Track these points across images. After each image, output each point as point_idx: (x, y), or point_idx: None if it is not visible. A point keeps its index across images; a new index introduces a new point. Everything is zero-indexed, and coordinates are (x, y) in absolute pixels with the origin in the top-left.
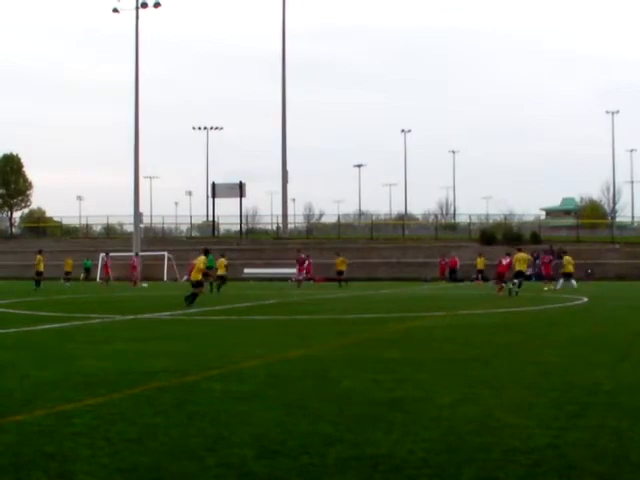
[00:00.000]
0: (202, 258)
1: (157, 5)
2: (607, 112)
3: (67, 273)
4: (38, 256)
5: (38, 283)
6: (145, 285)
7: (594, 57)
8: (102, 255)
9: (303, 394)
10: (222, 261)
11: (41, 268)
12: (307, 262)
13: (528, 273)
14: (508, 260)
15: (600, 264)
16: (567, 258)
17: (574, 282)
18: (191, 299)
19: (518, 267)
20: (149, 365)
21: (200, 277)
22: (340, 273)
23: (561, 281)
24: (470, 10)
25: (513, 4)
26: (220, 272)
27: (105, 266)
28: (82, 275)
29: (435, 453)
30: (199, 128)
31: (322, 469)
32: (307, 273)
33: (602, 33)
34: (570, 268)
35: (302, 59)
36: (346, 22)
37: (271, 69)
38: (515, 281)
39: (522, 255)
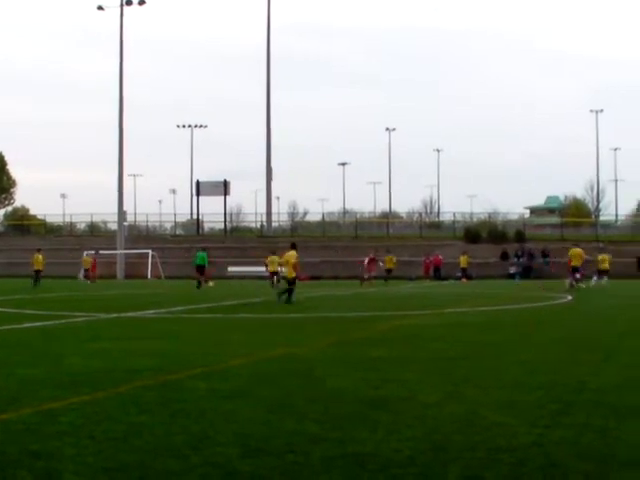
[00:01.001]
0: (292, 253)
1: (142, 3)
2: (591, 111)
3: (86, 271)
4: (38, 255)
5: (36, 281)
6: (211, 284)
7: (582, 56)
8: (87, 253)
9: (288, 393)
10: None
11: (39, 267)
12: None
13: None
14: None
15: (584, 262)
16: (603, 256)
17: (595, 279)
18: (287, 296)
19: (574, 263)
20: (134, 363)
21: (295, 273)
22: (389, 271)
23: (603, 277)
24: (460, 9)
25: (504, 4)
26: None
27: (93, 264)
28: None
29: (420, 452)
30: (184, 126)
31: (307, 468)
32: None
33: (590, 32)
34: (606, 265)
35: (287, 57)
36: (332, 20)
37: (256, 67)
38: (577, 276)
39: (577, 251)
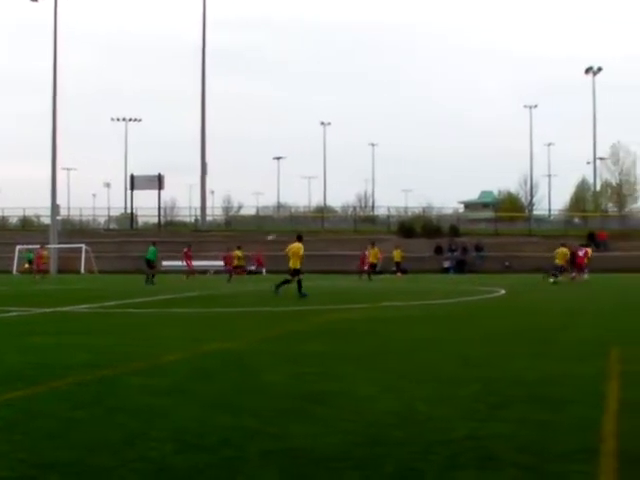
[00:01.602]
0: (298, 244)
1: None
2: (525, 106)
3: (30, 264)
4: None
5: None
6: (186, 278)
7: (517, 53)
8: (19, 247)
9: (224, 388)
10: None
11: None
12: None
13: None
14: (584, 251)
15: (518, 257)
16: (589, 250)
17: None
18: (298, 290)
19: (557, 261)
20: (68, 359)
21: (299, 265)
22: (373, 266)
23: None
24: (395, 3)
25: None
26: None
27: (38, 258)
28: (26, 267)
29: (356, 446)
30: (118, 119)
31: (243, 463)
32: (229, 265)
33: (525, 29)
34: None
35: (223, 49)
36: (268, 13)
37: (191, 60)
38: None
39: (563, 250)
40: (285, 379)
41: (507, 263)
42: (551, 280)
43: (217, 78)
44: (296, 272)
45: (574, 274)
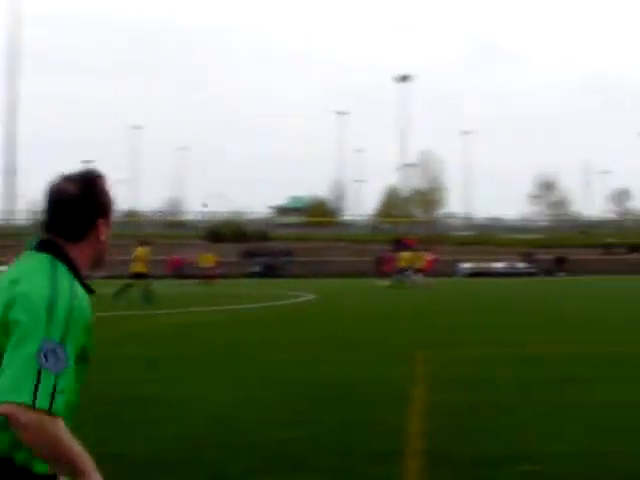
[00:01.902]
0: (142, 249)
1: None
2: (337, 113)
3: None
4: None
5: None
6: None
7: (325, 59)
8: None
9: None
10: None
11: None
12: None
13: None
14: (429, 256)
15: (326, 262)
16: (420, 254)
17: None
18: (120, 293)
19: (402, 264)
20: None
21: (143, 269)
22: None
23: (419, 275)
24: (205, 5)
25: (243, 2)
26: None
27: None
28: None
29: (168, 451)
30: None
31: None
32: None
33: (334, 35)
34: (421, 263)
35: (34, 47)
36: (76, 10)
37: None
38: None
39: (406, 254)
40: (98, 384)
41: (314, 268)
42: (387, 283)
43: (25, 76)
44: (139, 276)
45: (416, 277)
